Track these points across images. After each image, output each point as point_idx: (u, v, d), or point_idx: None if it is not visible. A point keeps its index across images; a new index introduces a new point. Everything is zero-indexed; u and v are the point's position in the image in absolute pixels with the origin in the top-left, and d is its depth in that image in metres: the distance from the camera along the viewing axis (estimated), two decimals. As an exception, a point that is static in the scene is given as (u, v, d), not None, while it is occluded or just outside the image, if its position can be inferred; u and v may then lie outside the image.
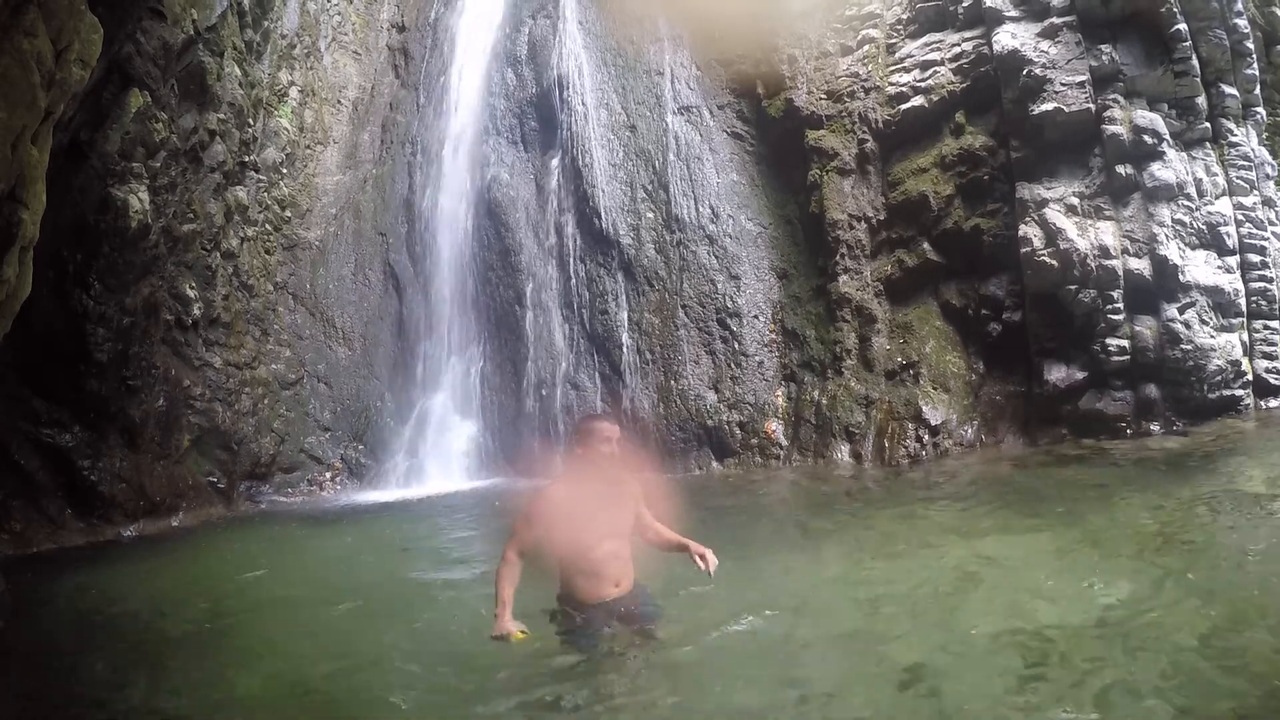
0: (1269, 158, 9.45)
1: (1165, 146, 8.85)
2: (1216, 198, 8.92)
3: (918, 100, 10.53)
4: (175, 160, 9.46)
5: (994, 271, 9.95)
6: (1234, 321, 8.75)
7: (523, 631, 3.88)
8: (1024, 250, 9.30)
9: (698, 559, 4.02)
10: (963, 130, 10.27)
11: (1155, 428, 8.60)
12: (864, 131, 10.98)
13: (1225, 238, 8.82)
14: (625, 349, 11.83)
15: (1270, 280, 8.94)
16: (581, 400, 11.90)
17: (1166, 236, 8.73)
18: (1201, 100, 9.00)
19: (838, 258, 10.96)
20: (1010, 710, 3.26)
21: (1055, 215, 9.16)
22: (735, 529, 7.17)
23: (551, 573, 4.17)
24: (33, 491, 8.28)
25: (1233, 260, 8.85)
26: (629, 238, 12.18)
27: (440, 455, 12.32)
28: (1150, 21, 9.01)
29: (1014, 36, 9.56)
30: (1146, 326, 8.72)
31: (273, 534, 8.89)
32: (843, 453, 10.12)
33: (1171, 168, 8.82)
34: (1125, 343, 8.76)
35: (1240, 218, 8.98)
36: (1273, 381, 8.80)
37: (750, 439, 10.86)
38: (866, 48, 11.17)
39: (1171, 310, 8.63)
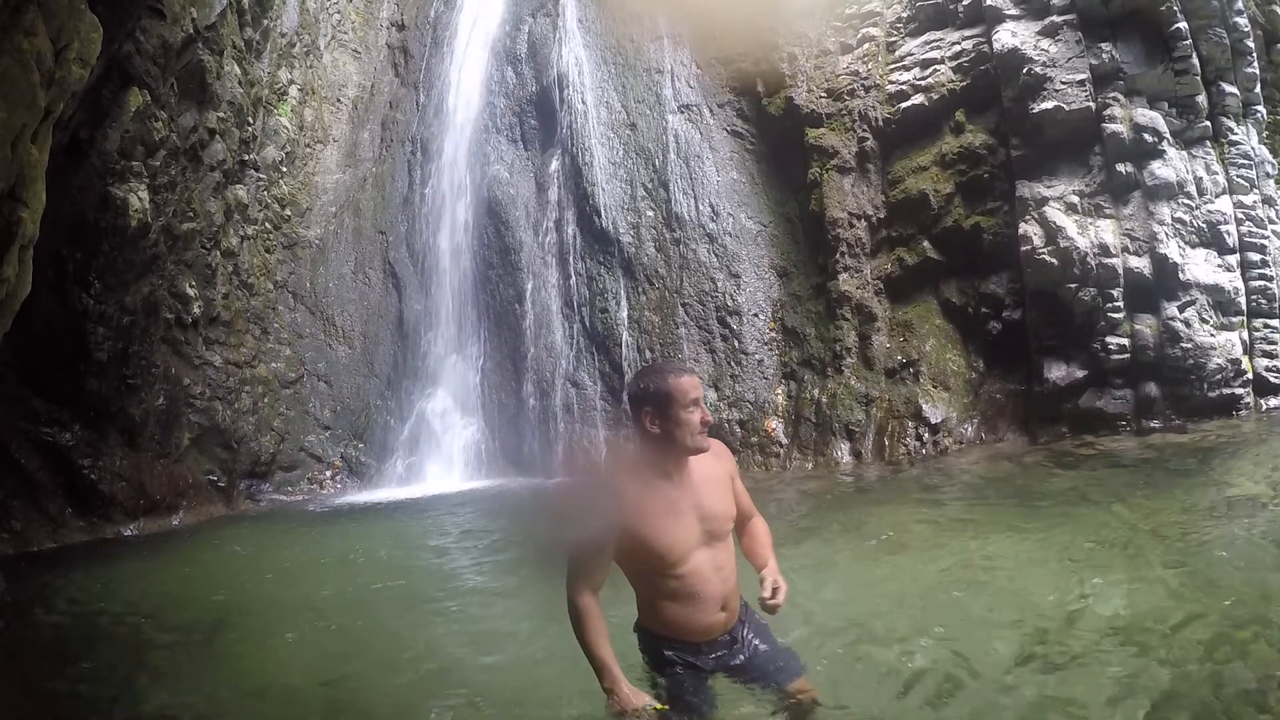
0: (1269, 156, 9.44)
1: (1165, 145, 8.85)
2: (1217, 196, 8.91)
3: (918, 98, 10.52)
4: (175, 159, 9.45)
5: (994, 270, 9.94)
6: (1234, 320, 8.75)
7: (658, 706, 2.68)
8: (1024, 248, 9.30)
9: (767, 589, 2.80)
10: (963, 128, 10.26)
11: (1155, 426, 8.60)
12: (864, 130, 10.97)
13: (1225, 236, 8.82)
14: (625, 347, 11.82)
15: (1270, 279, 8.94)
16: (582, 398, 11.90)
17: (1167, 235, 8.73)
18: (1202, 99, 8.99)
19: (838, 256, 10.95)
20: (1012, 709, 3.26)
21: (1055, 213, 9.16)
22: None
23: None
24: (33, 491, 8.28)
25: (1233, 259, 8.85)
26: (629, 236, 12.17)
27: (440, 454, 12.33)
28: (1150, 20, 9.00)
29: (1014, 35, 9.55)
30: (1146, 325, 8.72)
31: (273, 533, 8.90)
32: (843, 451, 10.12)
33: (1172, 166, 8.82)
34: (1125, 341, 8.76)
35: (1240, 216, 8.98)
36: (1273, 380, 8.80)
37: (750, 437, 10.86)
38: (866, 46, 11.16)
39: (1171, 309, 8.63)
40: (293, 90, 13.30)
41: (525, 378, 12.32)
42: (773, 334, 11.38)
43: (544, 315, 12.52)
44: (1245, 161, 9.08)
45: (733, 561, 2.83)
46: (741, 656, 2.80)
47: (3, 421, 8.23)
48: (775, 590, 2.78)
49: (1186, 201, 8.82)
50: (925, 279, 10.55)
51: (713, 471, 2.83)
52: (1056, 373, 9.13)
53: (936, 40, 10.55)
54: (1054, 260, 9.06)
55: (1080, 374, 9.00)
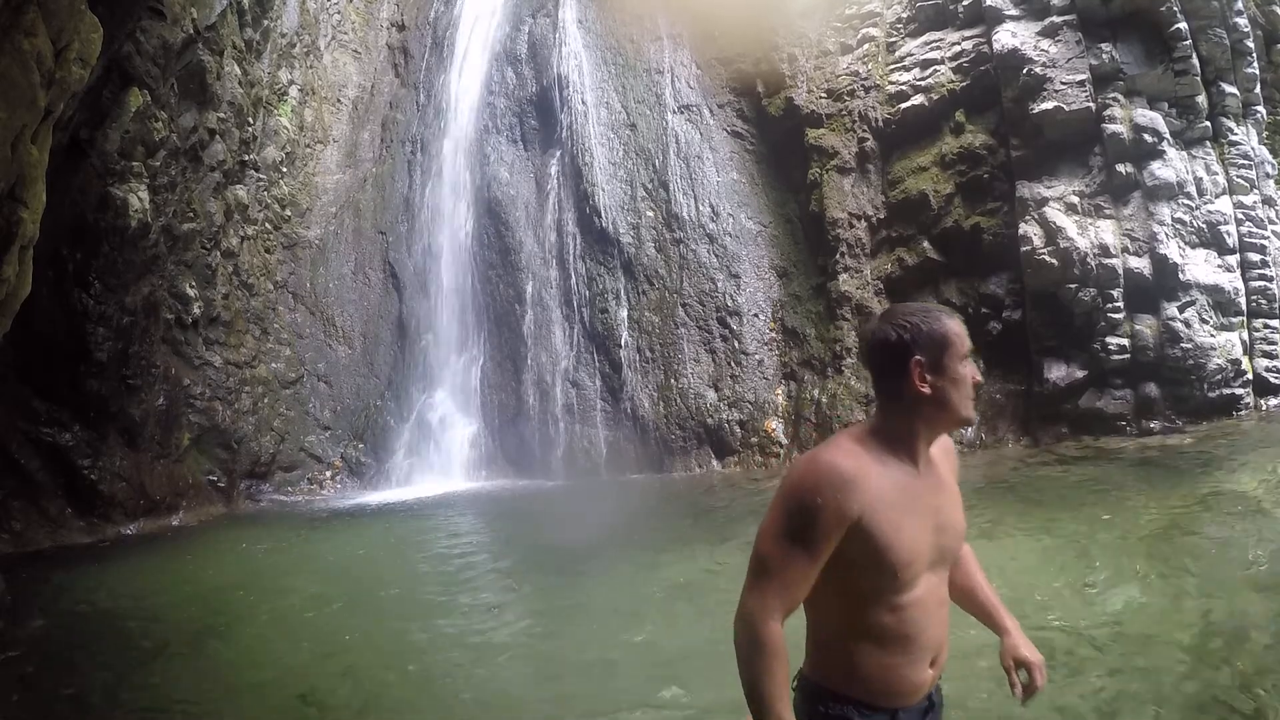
0: (1269, 156, 9.44)
1: (1165, 145, 8.84)
2: (1216, 196, 8.91)
3: (918, 99, 10.52)
4: (175, 159, 9.45)
5: (994, 270, 9.94)
6: (1234, 320, 8.75)
7: None
8: (1024, 249, 9.29)
9: (1013, 670, 2.06)
10: (963, 129, 10.26)
11: (1155, 426, 8.59)
12: (864, 130, 10.97)
13: (1225, 236, 8.81)
14: (625, 347, 11.82)
15: (1270, 279, 8.93)
16: (582, 399, 11.90)
17: (1166, 235, 8.72)
18: (1202, 99, 8.99)
19: (838, 256, 10.95)
20: (1008, 709, 3.26)
21: (1055, 214, 9.15)
22: (737, 529, 7.17)
23: None
24: (33, 491, 8.28)
25: (1233, 259, 8.84)
26: (629, 236, 12.17)
27: (440, 454, 12.32)
28: (1150, 20, 8.99)
29: (1014, 35, 9.55)
30: (1146, 325, 8.71)
31: (272, 533, 8.89)
32: (843, 451, 10.10)
33: (1172, 166, 8.81)
34: (1125, 341, 8.75)
35: (1240, 216, 8.97)
36: (1272, 380, 8.79)
37: (750, 437, 10.86)
38: (866, 46, 11.16)
39: (1171, 309, 8.63)
40: (293, 90, 13.30)
41: (525, 378, 12.32)
42: (773, 334, 11.38)
43: (544, 315, 12.52)
44: (1245, 162, 9.07)
45: (948, 599, 2.01)
46: None
47: (3, 421, 8.23)
48: (1031, 668, 2.03)
49: (1186, 202, 8.82)
50: (925, 279, 10.55)
51: (946, 469, 2.03)
52: (1056, 373, 9.12)
53: (936, 41, 10.55)
54: (1054, 261, 9.05)
55: (1080, 374, 9.00)
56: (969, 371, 1.90)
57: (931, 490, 1.92)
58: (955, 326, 1.91)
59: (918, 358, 1.86)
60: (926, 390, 1.86)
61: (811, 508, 1.76)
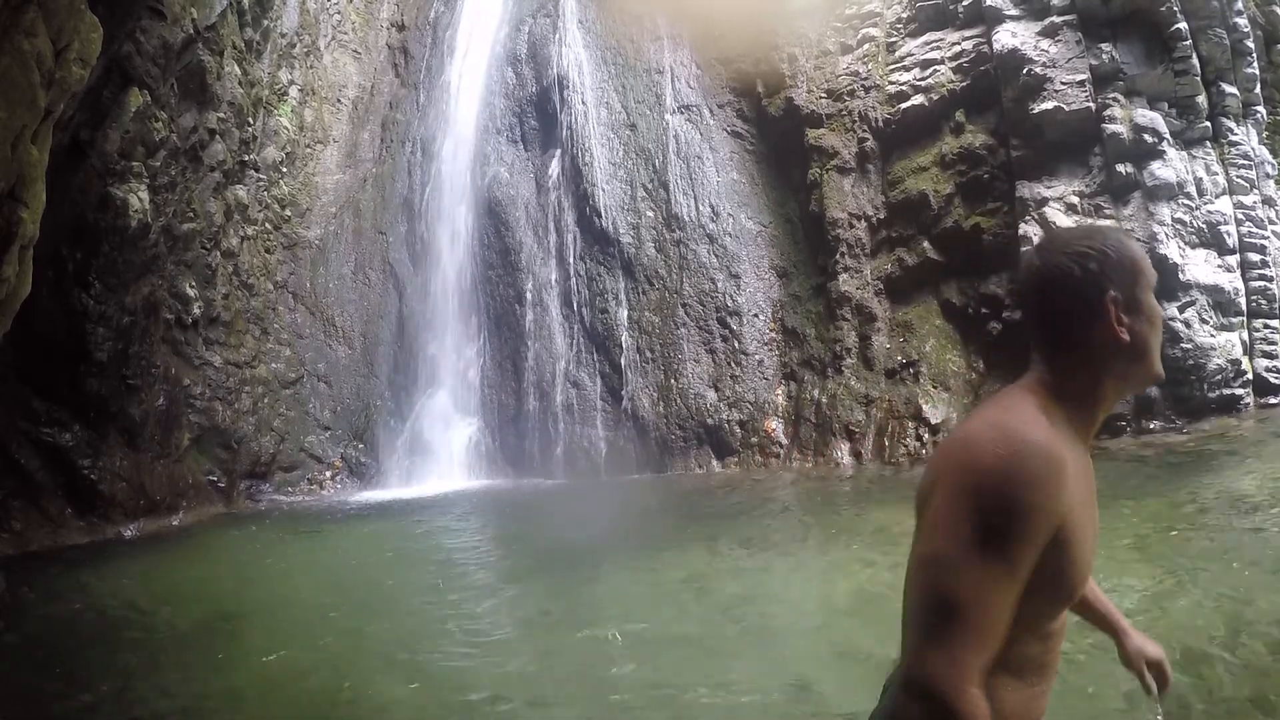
0: (1269, 156, 9.44)
1: (1165, 145, 8.85)
2: (1217, 196, 8.91)
3: (918, 99, 10.53)
4: (175, 159, 9.45)
5: (994, 270, 9.94)
6: (1234, 320, 8.75)
7: None
8: (1024, 249, 9.29)
9: (1145, 671, 1.75)
10: (963, 129, 10.26)
11: (1155, 426, 8.60)
12: (864, 130, 10.97)
13: (1225, 237, 8.81)
14: (625, 347, 11.82)
15: (1270, 279, 8.93)
16: (582, 399, 11.90)
17: (1166, 235, 8.72)
18: (1202, 99, 8.99)
19: (838, 256, 10.96)
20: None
21: (1055, 214, 9.15)
22: (737, 528, 7.17)
23: None
24: (33, 491, 8.28)
25: (1233, 259, 8.84)
26: (629, 236, 12.18)
27: (440, 454, 12.33)
28: (1150, 20, 9.00)
29: (1014, 35, 9.56)
30: (1146, 325, 8.71)
31: (272, 533, 8.90)
32: (843, 451, 10.12)
33: (1172, 166, 8.82)
34: (1125, 341, 8.75)
35: (1240, 216, 8.97)
36: (1273, 380, 8.79)
37: (750, 437, 10.86)
38: (867, 46, 11.16)
39: (1171, 309, 8.62)
40: (293, 90, 13.30)
41: (525, 378, 12.32)
42: (773, 334, 11.38)
43: (544, 316, 12.52)
44: (1245, 162, 9.07)
45: None
46: None
47: (3, 421, 8.23)
48: (1163, 664, 1.75)
49: (1186, 202, 8.82)
50: (925, 279, 10.55)
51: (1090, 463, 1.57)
52: (1056, 373, 9.11)
53: (936, 41, 10.56)
54: (1054, 261, 9.05)
55: (1080, 374, 8.99)
56: (1159, 309, 1.51)
57: (1091, 482, 1.48)
58: (1139, 250, 1.51)
59: (1113, 294, 1.44)
60: (1125, 336, 1.43)
61: (1023, 508, 1.27)
